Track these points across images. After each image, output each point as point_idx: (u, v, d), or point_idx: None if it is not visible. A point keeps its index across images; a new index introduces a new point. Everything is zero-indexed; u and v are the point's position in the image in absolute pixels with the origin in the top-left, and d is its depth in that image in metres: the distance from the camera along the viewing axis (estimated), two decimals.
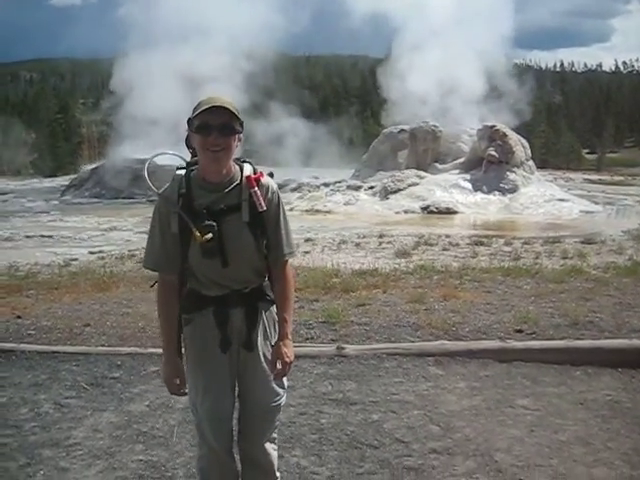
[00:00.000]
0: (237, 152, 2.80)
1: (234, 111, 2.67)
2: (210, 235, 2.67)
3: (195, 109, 2.68)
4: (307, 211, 25.37)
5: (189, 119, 2.72)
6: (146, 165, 3.13)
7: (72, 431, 4.23)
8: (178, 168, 2.85)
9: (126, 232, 19.30)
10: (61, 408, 4.63)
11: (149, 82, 37.11)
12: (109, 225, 21.06)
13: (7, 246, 16.91)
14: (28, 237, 18.37)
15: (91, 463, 3.83)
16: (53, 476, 3.69)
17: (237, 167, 2.82)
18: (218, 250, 2.72)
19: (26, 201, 31.97)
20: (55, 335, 6.40)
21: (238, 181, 2.78)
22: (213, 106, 2.63)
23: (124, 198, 29.71)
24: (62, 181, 39.34)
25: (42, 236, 18.53)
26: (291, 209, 25.79)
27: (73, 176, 38.17)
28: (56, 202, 30.98)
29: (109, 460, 3.86)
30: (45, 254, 14.43)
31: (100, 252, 14.35)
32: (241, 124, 2.74)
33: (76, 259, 13.02)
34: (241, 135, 2.77)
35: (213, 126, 2.64)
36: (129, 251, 13.97)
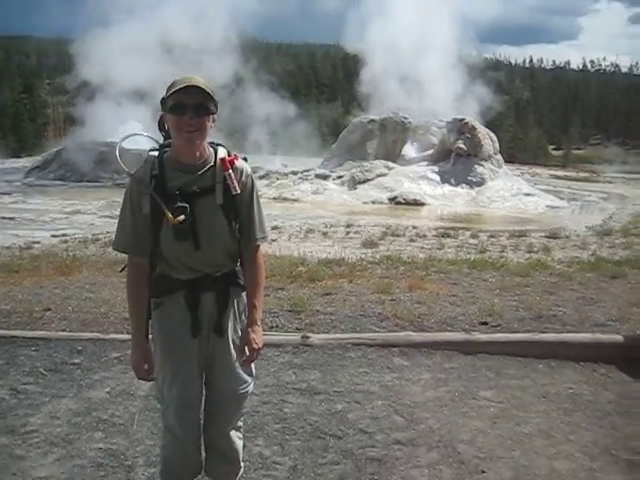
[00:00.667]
0: (211, 133, 2.75)
1: (209, 91, 2.63)
2: (182, 217, 2.63)
3: (169, 89, 2.63)
4: (275, 199, 25.26)
5: (162, 99, 2.67)
6: (117, 146, 3.06)
7: (29, 418, 4.14)
8: (151, 150, 2.79)
9: (90, 216, 18.97)
10: (18, 394, 4.51)
11: (114, 61, 36.54)
12: (73, 208, 20.70)
13: None
14: None
15: (48, 451, 3.75)
16: (8, 464, 3.59)
17: (211, 149, 2.78)
18: (190, 232, 2.68)
19: None
20: (14, 319, 6.25)
21: (212, 163, 2.74)
22: (187, 85, 2.58)
23: (89, 181, 29.24)
24: (26, 162, 38.59)
25: (3, 218, 18.12)
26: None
27: (37, 157, 37.46)
28: (19, 184, 30.36)
29: (67, 448, 3.79)
30: (6, 237, 14.13)
31: (63, 235, 14.11)
32: (215, 105, 2.70)
33: (38, 242, 12.78)
34: (215, 116, 2.72)
35: (187, 106, 2.59)
36: (93, 235, 13.76)
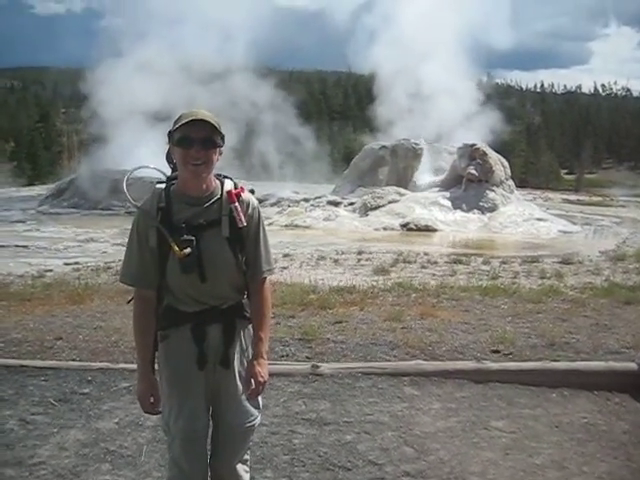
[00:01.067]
0: (218, 166, 2.77)
1: (215, 125, 2.66)
2: (189, 250, 2.64)
3: (176, 122, 2.66)
4: (286, 226, 25.24)
5: (169, 132, 2.70)
6: (125, 178, 3.09)
7: (37, 449, 4.12)
8: (158, 182, 2.82)
9: (103, 244, 19.02)
10: (27, 425, 4.51)
11: (127, 90, 36.94)
12: (86, 236, 20.77)
13: None
14: (2, 247, 17.99)
15: None
16: None
17: (218, 182, 2.80)
18: (196, 265, 2.69)
19: (2, 210, 31.53)
20: (25, 348, 6.28)
21: (218, 196, 2.76)
22: (194, 119, 2.61)
23: (102, 209, 29.39)
24: (40, 190, 38.90)
25: (17, 246, 18.19)
26: (270, 224, 25.64)
27: (51, 186, 37.76)
28: (33, 212, 30.57)
29: None
30: (19, 264, 14.18)
31: (76, 263, 14.14)
32: (222, 138, 2.72)
33: (51, 270, 12.81)
34: (222, 149, 2.74)
35: (194, 139, 2.62)
36: (105, 263, 13.77)
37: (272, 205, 29.80)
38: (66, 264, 14.17)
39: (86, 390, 5.18)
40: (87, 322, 7.32)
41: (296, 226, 25.17)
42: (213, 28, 43.66)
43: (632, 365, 5.52)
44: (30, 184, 48.88)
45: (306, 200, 29.84)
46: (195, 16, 45.65)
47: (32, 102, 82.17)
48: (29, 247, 18.13)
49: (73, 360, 5.93)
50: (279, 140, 47.47)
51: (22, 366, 5.66)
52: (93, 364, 5.74)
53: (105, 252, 17.14)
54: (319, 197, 29.97)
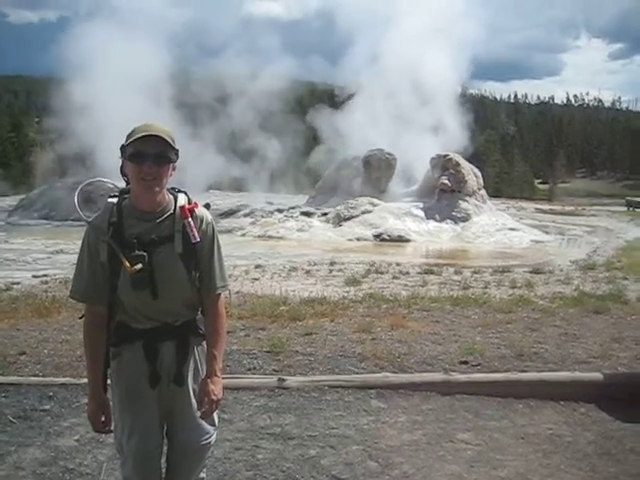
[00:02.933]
0: (171, 180, 2.72)
1: (169, 140, 2.60)
2: (140, 266, 2.58)
3: (129, 136, 2.60)
4: (259, 237, 25.19)
5: (122, 146, 2.63)
6: (76, 192, 3.04)
7: None
8: (110, 196, 2.75)
9: (73, 255, 18.56)
10: None
11: (103, 101, 36.73)
12: (56, 248, 20.51)
13: None
14: None
15: None
16: None
17: (171, 196, 2.74)
18: (148, 282, 2.63)
19: None
20: None
21: (172, 211, 2.70)
22: (148, 134, 2.55)
23: (73, 220, 29.07)
24: (12, 201, 38.43)
25: None
26: (243, 234, 25.58)
27: (22, 196, 37.33)
28: (2, 223, 30.20)
29: None
30: None
31: (44, 276, 13.92)
32: (176, 153, 2.67)
33: (18, 283, 12.59)
34: (175, 164, 2.69)
35: (147, 155, 2.56)
36: (73, 276, 13.58)
37: (245, 216, 29.78)
38: (34, 276, 13.95)
39: (47, 406, 5.06)
40: (53, 336, 7.19)
41: (269, 237, 25.13)
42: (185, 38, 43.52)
43: (598, 375, 5.55)
44: (3, 195, 48.20)
45: (279, 211, 29.87)
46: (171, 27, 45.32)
47: (4, 111, 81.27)
48: None
49: (35, 375, 5.80)
50: (253, 151, 47.44)
51: None
52: (56, 379, 5.62)
53: (75, 264, 16.86)
54: (293, 208, 30.01)
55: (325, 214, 27.98)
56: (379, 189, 30.57)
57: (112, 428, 2.79)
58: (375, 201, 28.51)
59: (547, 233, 27.97)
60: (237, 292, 10.28)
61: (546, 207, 51.21)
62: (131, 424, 2.72)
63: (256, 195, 40.74)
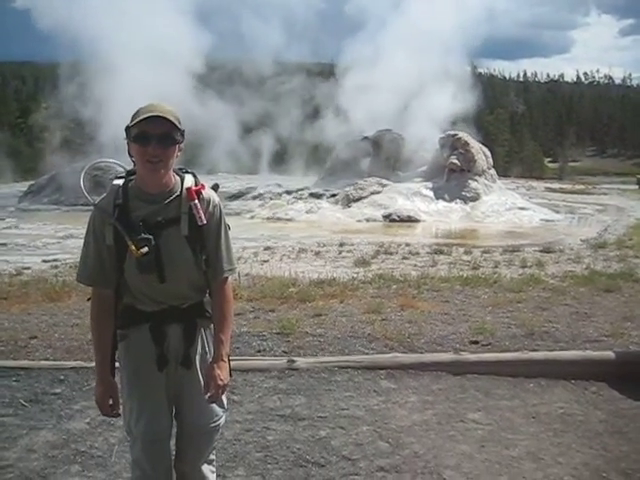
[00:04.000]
0: (178, 161, 2.68)
1: (174, 121, 2.55)
2: (146, 249, 2.55)
3: (133, 117, 2.55)
4: (268, 219, 25.15)
5: (127, 127, 2.59)
6: (82, 173, 3.01)
7: (4, 452, 4.03)
8: (116, 177, 2.71)
9: (82, 240, 18.76)
10: None
11: (112, 87, 36.66)
12: (66, 232, 20.52)
13: None
14: None
15: None
16: None
17: (178, 178, 2.69)
18: (155, 265, 2.60)
19: None
20: None
21: (178, 193, 2.66)
22: (152, 115, 2.50)
23: (83, 205, 29.10)
24: (22, 187, 38.48)
25: None
26: (252, 217, 25.55)
27: (32, 182, 37.40)
28: (12, 209, 30.27)
29: None
30: None
31: (54, 261, 13.96)
32: (182, 134, 2.62)
33: (29, 268, 12.63)
34: (182, 145, 2.64)
35: (152, 136, 2.52)
36: (80, 259, 13.62)
37: (254, 198, 29.72)
38: (44, 261, 14.00)
39: (58, 390, 5.09)
40: (63, 320, 7.22)
41: (278, 219, 25.09)
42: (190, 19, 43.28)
43: (609, 354, 5.52)
44: (14, 181, 48.34)
45: (288, 192, 29.76)
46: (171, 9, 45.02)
47: (12, 97, 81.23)
48: (7, 245, 17.90)
49: (46, 359, 5.83)
50: (261, 133, 47.33)
51: None
52: (66, 363, 5.65)
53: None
54: (301, 189, 29.90)
55: (334, 195, 27.87)
56: (388, 169, 30.41)
57: (120, 411, 2.78)
58: (384, 181, 28.37)
59: (557, 212, 27.78)
60: (246, 274, 10.28)
61: (556, 186, 50.86)
62: (139, 407, 2.71)
63: (265, 177, 40.69)
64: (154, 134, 2.52)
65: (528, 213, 26.11)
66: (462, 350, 5.83)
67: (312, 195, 28.46)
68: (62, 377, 5.34)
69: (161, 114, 2.52)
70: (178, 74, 38.04)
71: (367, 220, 24.67)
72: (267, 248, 15.85)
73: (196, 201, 2.63)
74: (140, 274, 2.60)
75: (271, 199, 29.01)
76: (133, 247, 2.54)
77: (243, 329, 6.52)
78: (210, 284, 2.78)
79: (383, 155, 31.16)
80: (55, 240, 19.06)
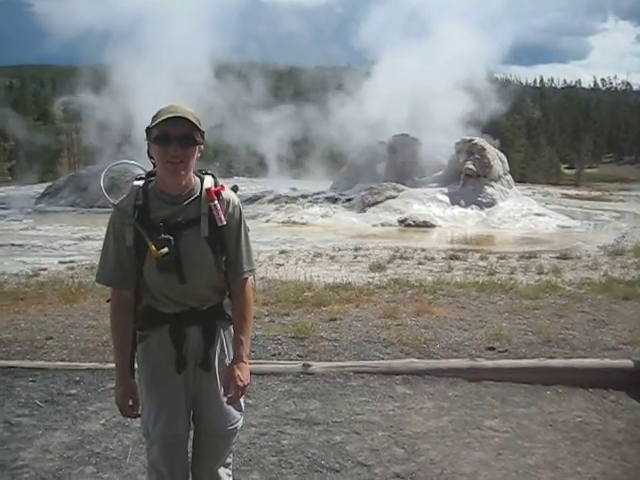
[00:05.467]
0: (197, 163, 2.68)
1: (195, 121, 2.55)
2: (166, 250, 2.55)
3: (154, 118, 2.55)
4: (283, 223, 25.17)
5: (147, 128, 2.58)
6: (102, 174, 3.02)
7: (21, 452, 4.05)
8: (136, 179, 2.71)
9: (99, 241, 18.53)
10: (11, 427, 4.43)
11: (129, 91, 36.90)
12: (82, 234, 20.67)
13: None
14: None
15: None
16: None
17: (197, 179, 2.69)
18: (175, 266, 2.59)
19: None
20: (14, 349, 6.21)
21: (198, 194, 2.65)
22: (173, 116, 2.50)
23: (99, 207, 29.28)
24: (39, 189, 38.78)
25: (12, 245, 18.09)
26: (267, 220, 25.58)
27: (49, 183, 37.68)
28: (30, 210, 30.49)
29: None
30: (14, 263, 14.12)
31: (71, 262, 14.06)
32: (202, 134, 2.62)
33: (45, 269, 12.73)
34: (202, 146, 2.64)
35: (173, 137, 2.51)
36: (99, 260, 13.69)
37: (270, 202, 29.78)
38: (61, 262, 14.11)
39: (73, 391, 5.11)
40: (79, 321, 7.26)
41: (293, 223, 25.11)
42: (208, 25, 43.54)
43: (628, 362, 5.45)
44: (31, 183, 48.72)
45: (304, 196, 29.79)
46: (190, 13, 45.30)
47: (31, 100, 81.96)
48: (24, 246, 18.05)
49: (62, 360, 5.85)
50: (278, 137, 47.39)
51: (10, 367, 5.59)
52: (82, 364, 5.67)
53: (100, 250, 17.03)
54: (317, 193, 29.92)
55: (349, 200, 27.87)
56: (404, 174, 30.35)
57: (140, 412, 2.77)
58: (399, 186, 28.31)
59: (574, 218, 27.57)
60: (262, 278, 10.29)
61: (573, 192, 50.51)
62: (157, 408, 2.70)
63: (280, 181, 40.72)
64: (175, 135, 2.52)
65: (544, 219, 25.96)
66: (478, 356, 5.78)
67: (328, 199, 28.49)
68: (77, 378, 5.35)
69: (182, 115, 2.52)
70: (194, 77, 38.25)
71: (382, 225, 24.64)
72: (282, 252, 15.88)
73: (216, 202, 2.63)
74: (160, 275, 2.60)
75: (287, 203, 29.05)
76: (153, 248, 2.54)
77: (258, 332, 6.51)
78: (230, 285, 2.77)
79: (399, 160, 31.12)
80: (72, 242, 19.19)
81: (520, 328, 6.90)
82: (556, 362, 5.55)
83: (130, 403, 2.74)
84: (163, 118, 2.51)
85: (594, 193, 49.30)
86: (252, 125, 47.64)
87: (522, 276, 11.64)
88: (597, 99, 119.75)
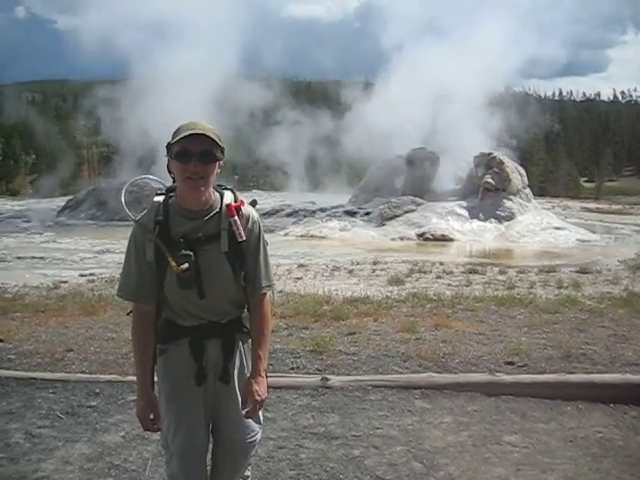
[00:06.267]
0: (218, 178, 2.71)
1: (215, 138, 2.57)
2: (186, 265, 2.57)
3: (174, 134, 2.59)
4: (302, 236, 25.22)
5: (168, 144, 2.62)
6: (124, 189, 3.06)
7: (41, 463, 4.08)
8: (157, 194, 2.75)
9: (118, 254, 18.85)
10: (32, 438, 4.47)
11: (148, 106, 37.25)
12: (102, 247, 20.87)
13: None
14: (19, 258, 18.15)
15: None
16: None
17: (217, 194, 2.71)
18: (195, 281, 2.61)
19: (21, 221, 31.84)
20: (35, 360, 6.27)
21: (218, 209, 2.68)
22: (194, 132, 2.53)
23: (119, 220, 29.51)
24: (60, 202, 39.18)
25: (33, 257, 18.31)
26: (286, 234, 25.64)
27: (70, 197, 38.08)
28: (51, 223, 30.84)
29: None
30: (35, 276, 14.27)
31: (91, 275, 14.17)
32: (222, 151, 2.64)
33: (66, 282, 12.84)
34: (222, 162, 2.67)
35: (193, 153, 2.54)
36: (120, 274, 13.80)
37: (288, 215, 29.86)
38: (81, 275, 14.22)
39: (94, 403, 5.15)
40: (99, 334, 7.31)
41: (312, 236, 25.14)
42: (227, 39, 43.89)
43: None
44: (51, 196, 49.26)
45: (322, 210, 29.84)
46: (209, 27, 45.72)
47: (52, 114, 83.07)
48: (45, 258, 18.25)
49: (82, 372, 5.90)
50: (297, 151, 47.61)
51: (31, 378, 5.64)
52: (102, 376, 5.71)
53: (120, 263, 16.91)
54: (335, 207, 29.96)
55: (368, 213, 27.88)
56: (422, 188, 30.33)
57: (160, 426, 2.78)
58: (418, 200, 28.30)
59: (594, 232, 27.38)
60: (280, 291, 10.31)
61: (592, 206, 50.25)
62: (177, 421, 2.72)
63: (298, 195, 40.84)
64: (195, 151, 2.55)
65: (564, 233, 25.81)
66: (497, 371, 5.74)
67: (346, 213, 28.52)
68: (97, 390, 5.40)
69: (202, 131, 2.55)
70: (213, 92, 38.54)
71: (401, 239, 24.62)
72: (301, 265, 15.90)
73: (236, 217, 2.65)
74: (180, 290, 2.62)
75: (305, 217, 29.13)
76: (173, 263, 2.56)
77: (277, 346, 6.52)
78: (248, 300, 2.79)
79: (417, 173, 31.11)
80: (92, 255, 19.35)
81: (540, 343, 6.85)
82: (576, 377, 5.51)
83: (151, 417, 2.76)
84: (184, 135, 2.54)
85: (614, 207, 48.98)
86: (270, 139, 47.92)
87: (541, 290, 11.56)
88: (617, 112, 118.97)
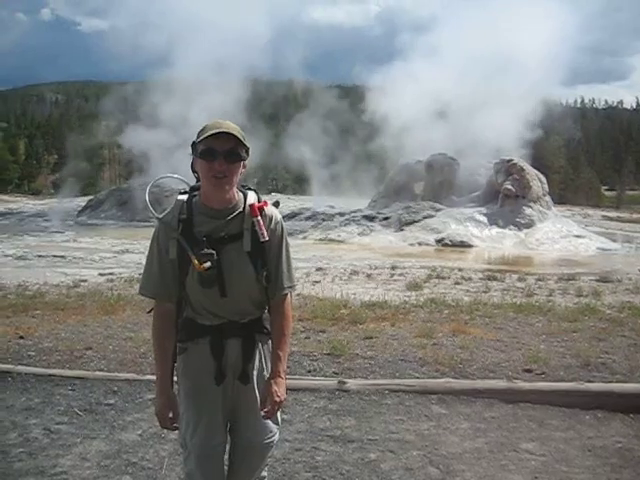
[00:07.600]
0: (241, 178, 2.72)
1: (240, 137, 2.59)
2: (209, 264, 2.58)
3: (200, 133, 2.60)
4: (320, 240, 25.25)
5: (193, 143, 2.64)
6: (147, 188, 3.08)
7: (59, 459, 4.11)
8: (181, 193, 2.76)
9: (138, 255, 19.08)
10: (51, 434, 4.51)
11: (170, 107, 37.48)
12: (122, 247, 21.04)
13: (19, 265, 16.92)
14: (40, 256, 18.38)
15: None
16: None
17: (241, 194, 2.72)
18: (217, 280, 2.62)
19: (42, 220, 32.19)
20: (54, 357, 6.33)
21: (241, 209, 2.68)
22: (219, 131, 2.55)
23: (139, 221, 29.75)
24: (81, 202, 39.54)
25: (54, 256, 18.52)
26: (304, 238, 25.67)
27: (92, 197, 38.42)
28: (71, 222, 31.15)
29: None
30: (55, 274, 14.40)
31: (110, 274, 14.28)
32: (247, 150, 2.65)
33: (85, 280, 12.94)
34: (246, 162, 2.68)
35: (218, 152, 2.56)
36: (139, 274, 13.88)
37: (307, 219, 29.89)
38: (101, 274, 14.33)
39: (111, 401, 5.18)
40: (118, 332, 7.37)
41: (330, 240, 25.16)
42: (248, 43, 44.12)
43: None
44: (73, 196, 49.70)
45: (341, 214, 29.83)
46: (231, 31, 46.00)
47: (75, 115, 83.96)
48: (66, 257, 18.43)
49: (101, 370, 5.95)
50: (316, 154, 47.65)
51: (50, 375, 5.70)
52: (120, 375, 5.75)
53: (139, 263, 17.23)
54: (354, 211, 29.94)
55: (387, 218, 27.82)
56: (441, 194, 30.24)
57: (178, 425, 2.79)
58: (437, 206, 28.23)
59: (614, 241, 27.13)
60: (298, 294, 10.32)
61: (613, 214, 49.80)
62: (196, 420, 2.73)
63: (318, 198, 40.86)
64: (220, 150, 2.56)
65: (584, 241, 25.61)
66: (515, 378, 5.71)
67: (365, 217, 28.48)
68: (115, 388, 5.43)
69: (227, 130, 2.56)
70: (234, 94, 38.70)
71: (419, 244, 24.56)
72: (319, 269, 15.91)
73: (259, 217, 2.66)
74: (202, 288, 2.63)
75: (324, 220, 29.13)
76: (196, 262, 2.57)
77: (294, 349, 6.53)
78: (270, 300, 2.79)
79: (437, 179, 31.02)
80: (111, 254, 19.51)
81: (558, 351, 6.80)
82: (595, 386, 5.45)
83: (170, 415, 2.76)
84: (209, 133, 2.55)
85: (635, 215, 48.49)
86: (290, 143, 48.01)
87: (561, 298, 11.48)
88: (639, 120, 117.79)
